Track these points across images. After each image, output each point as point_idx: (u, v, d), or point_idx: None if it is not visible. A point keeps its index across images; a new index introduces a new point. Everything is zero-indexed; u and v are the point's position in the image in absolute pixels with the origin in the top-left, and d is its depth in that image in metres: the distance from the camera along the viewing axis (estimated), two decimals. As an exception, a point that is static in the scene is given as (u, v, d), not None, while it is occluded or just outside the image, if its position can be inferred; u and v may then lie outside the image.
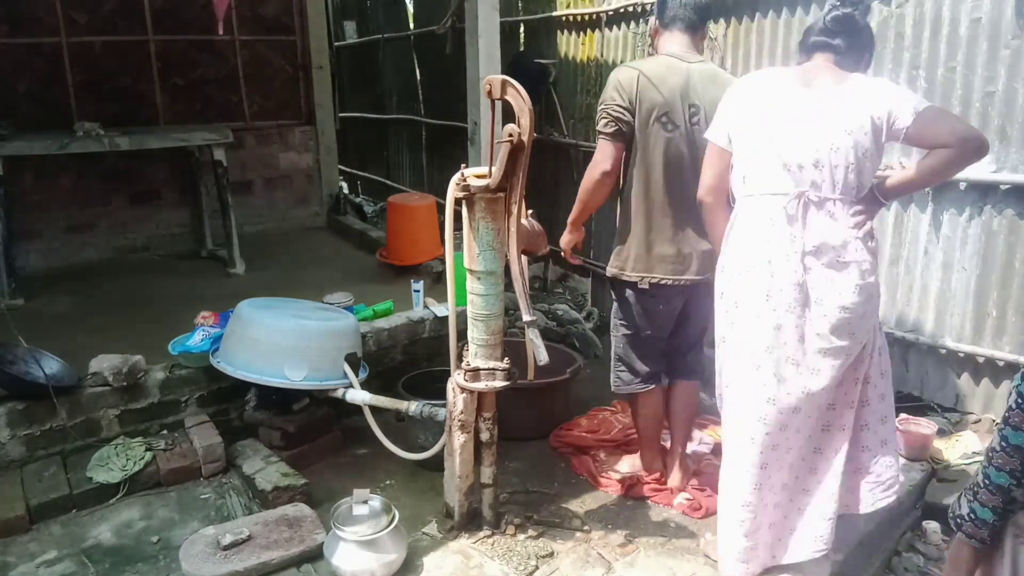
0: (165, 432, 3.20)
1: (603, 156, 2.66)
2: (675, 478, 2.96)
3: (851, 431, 2.29)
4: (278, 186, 6.13)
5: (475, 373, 2.54)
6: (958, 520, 1.43)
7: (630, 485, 2.99)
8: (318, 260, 5.33)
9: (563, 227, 2.94)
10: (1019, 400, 1.30)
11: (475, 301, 2.53)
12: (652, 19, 2.82)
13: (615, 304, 2.89)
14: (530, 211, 2.58)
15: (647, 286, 2.71)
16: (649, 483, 3.00)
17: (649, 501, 2.94)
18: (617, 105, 2.61)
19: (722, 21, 3.79)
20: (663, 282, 2.69)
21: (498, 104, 2.41)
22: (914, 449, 2.88)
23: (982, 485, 1.37)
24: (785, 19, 3.52)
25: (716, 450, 3.22)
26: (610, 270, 2.82)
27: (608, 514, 2.88)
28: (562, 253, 2.97)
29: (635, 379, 2.88)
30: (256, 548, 2.45)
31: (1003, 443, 1.33)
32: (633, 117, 2.61)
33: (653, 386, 2.87)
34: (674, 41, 2.70)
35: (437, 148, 6.49)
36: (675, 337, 2.89)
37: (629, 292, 2.79)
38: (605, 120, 2.65)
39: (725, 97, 2.37)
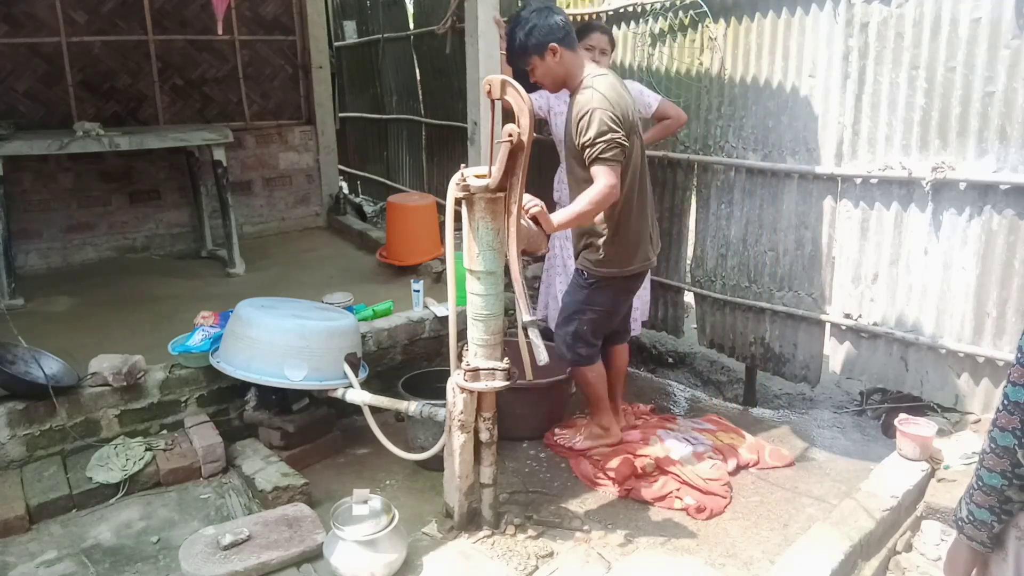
0: (165, 432, 3.20)
1: (617, 180, 2.71)
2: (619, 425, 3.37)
3: None
4: (278, 186, 6.13)
5: (475, 373, 2.54)
6: (959, 523, 1.44)
7: (629, 488, 2.99)
8: (318, 260, 5.33)
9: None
10: (1005, 402, 1.31)
11: (475, 301, 2.53)
12: (551, 43, 2.78)
13: (590, 293, 3.08)
14: (529, 211, 2.58)
15: (633, 273, 3.06)
16: (645, 478, 3.01)
17: (650, 504, 2.94)
18: (621, 131, 2.71)
19: (722, 21, 3.79)
20: (644, 268, 3.10)
21: (498, 104, 2.41)
22: (914, 449, 2.88)
23: (976, 487, 1.39)
24: (785, 19, 3.52)
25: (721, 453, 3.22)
26: (608, 270, 3.02)
27: (608, 514, 2.88)
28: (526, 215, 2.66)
29: (594, 351, 3.21)
30: (256, 548, 2.45)
31: (992, 444, 1.34)
32: (628, 135, 2.76)
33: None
34: (581, 57, 2.92)
35: (437, 148, 6.48)
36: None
37: (617, 281, 3.06)
38: (616, 150, 2.69)
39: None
